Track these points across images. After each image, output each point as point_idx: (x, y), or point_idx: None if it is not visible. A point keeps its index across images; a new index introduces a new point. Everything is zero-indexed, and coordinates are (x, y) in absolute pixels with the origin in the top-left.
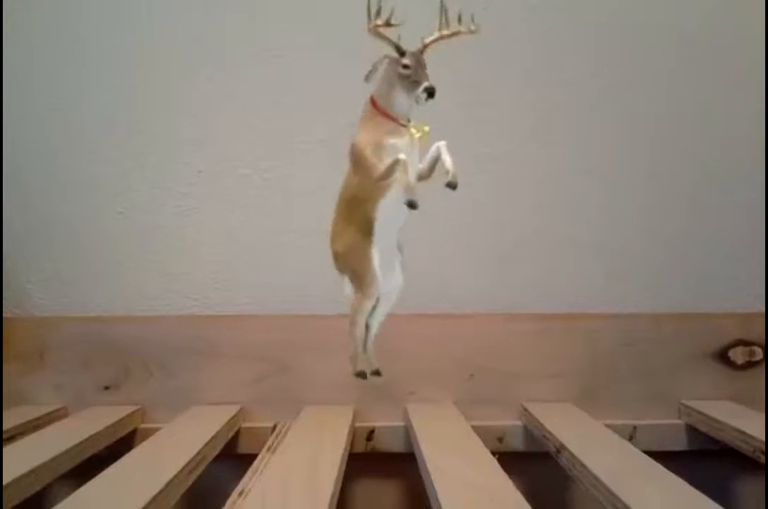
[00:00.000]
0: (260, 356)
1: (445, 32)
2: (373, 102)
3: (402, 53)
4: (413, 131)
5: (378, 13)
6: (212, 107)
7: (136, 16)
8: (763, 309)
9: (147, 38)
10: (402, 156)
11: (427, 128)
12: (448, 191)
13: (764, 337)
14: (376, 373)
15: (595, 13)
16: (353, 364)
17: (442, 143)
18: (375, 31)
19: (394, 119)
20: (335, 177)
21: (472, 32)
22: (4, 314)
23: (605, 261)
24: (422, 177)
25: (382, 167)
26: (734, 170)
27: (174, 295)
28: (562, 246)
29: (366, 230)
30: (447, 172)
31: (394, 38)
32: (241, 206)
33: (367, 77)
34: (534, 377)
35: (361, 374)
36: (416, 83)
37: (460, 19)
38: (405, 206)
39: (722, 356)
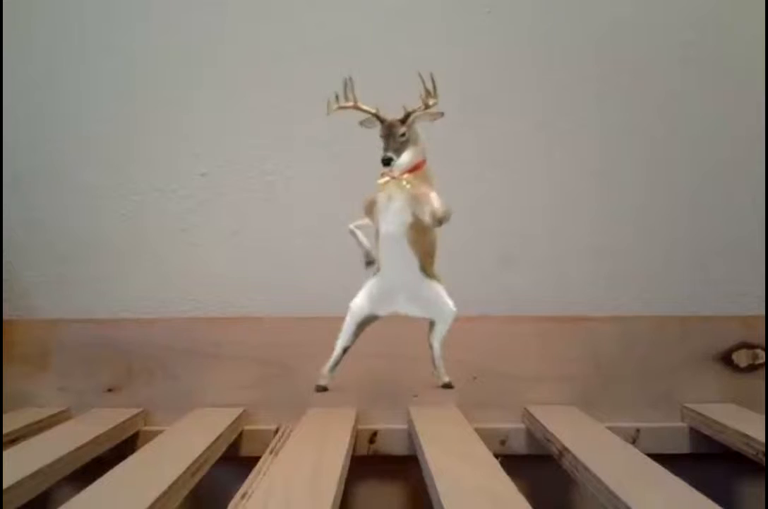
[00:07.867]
0: (263, 358)
1: (420, 106)
2: None
3: (382, 122)
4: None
5: (346, 96)
6: (215, 109)
7: (139, 17)
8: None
9: (150, 41)
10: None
11: (405, 183)
12: (450, 192)
13: (765, 340)
14: (447, 386)
15: (598, 19)
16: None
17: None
18: (354, 108)
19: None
20: (337, 179)
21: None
22: (7, 317)
23: (607, 264)
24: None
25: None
26: (736, 171)
27: (177, 297)
28: (564, 249)
29: None
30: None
31: (373, 109)
32: (244, 209)
33: (362, 123)
34: (537, 379)
35: (318, 388)
36: None
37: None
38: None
39: (726, 358)
